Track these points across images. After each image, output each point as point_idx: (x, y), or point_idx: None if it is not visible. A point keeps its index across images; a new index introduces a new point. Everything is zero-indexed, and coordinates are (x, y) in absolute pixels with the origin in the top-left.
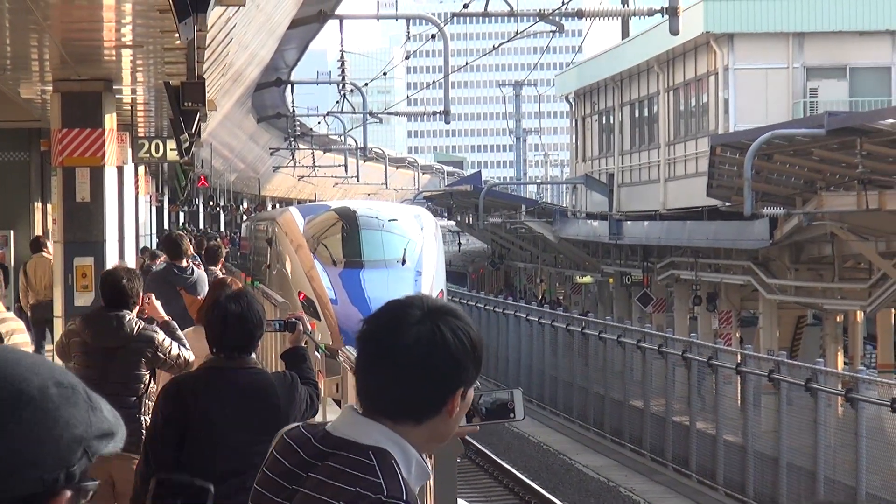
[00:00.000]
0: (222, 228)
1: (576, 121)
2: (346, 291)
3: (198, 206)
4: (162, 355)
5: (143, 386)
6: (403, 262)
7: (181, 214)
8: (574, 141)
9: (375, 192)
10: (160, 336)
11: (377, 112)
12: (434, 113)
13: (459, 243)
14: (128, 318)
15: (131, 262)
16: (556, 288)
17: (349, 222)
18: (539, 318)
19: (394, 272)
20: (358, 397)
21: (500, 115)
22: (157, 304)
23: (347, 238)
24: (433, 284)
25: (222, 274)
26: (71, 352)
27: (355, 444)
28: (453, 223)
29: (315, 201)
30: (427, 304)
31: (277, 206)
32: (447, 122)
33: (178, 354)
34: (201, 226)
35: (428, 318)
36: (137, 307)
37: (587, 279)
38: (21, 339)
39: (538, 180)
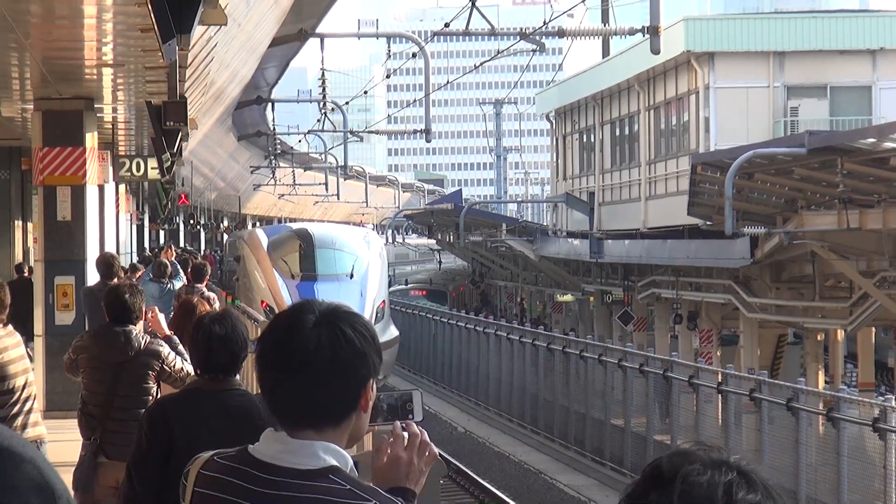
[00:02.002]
0: (202, 247)
1: (556, 139)
2: (301, 300)
3: (178, 225)
4: (168, 368)
5: (151, 398)
6: (352, 276)
7: (161, 233)
8: (555, 159)
9: (356, 210)
10: (166, 350)
11: (358, 130)
12: (415, 131)
13: (440, 261)
14: (135, 333)
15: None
16: (536, 306)
17: (306, 241)
18: (520, 336)
19: (344, 284)
20: (274, 415)
21: (480, 134)
22: (161, 318)
23: (304, 255)
24: (377, 295)
25: (207, 291)
26: (79, 367)
27: (308, 471)
28: (434, 241)
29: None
30: (319, 308)
31: (258, 224)
32: (428, 141)
33: (182, 368)
34: (181, 243)
35: (324, 320)
36: (141, 322)
37: (568, 297)
38: (15, 353)
39: (519, 198)
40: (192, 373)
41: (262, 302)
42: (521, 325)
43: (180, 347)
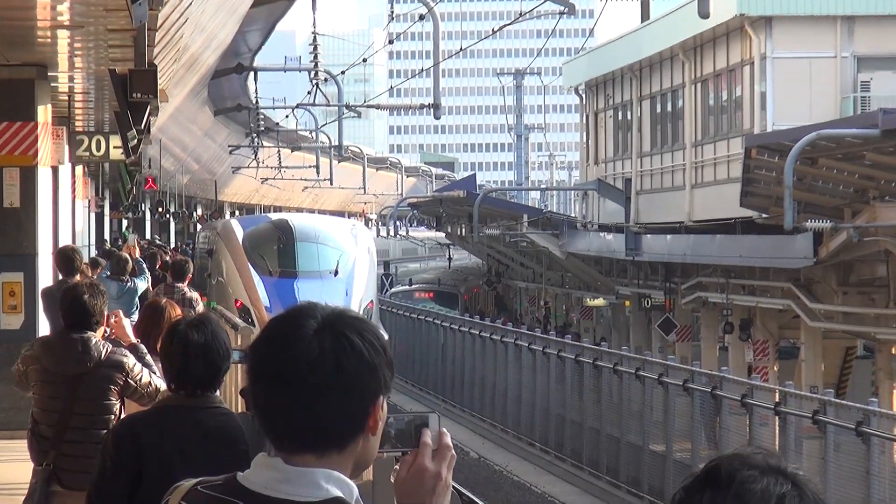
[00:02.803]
0: (172, 238)
1: (587, 116)
2: (280, 300)
3: (144, 213)
4: (133, 382)
5: (112, 417)
6: (336, 273)
7: (125, 222)
8: (585, 140)
9: (351, 198)
10: (130, 361)
11: (355, 105)
12: (421, 106)
13: (450, 258)
14: (94, 341)
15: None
16: (562, 311)
17: (285, 234)
18: (543, 347)
19: (327, 283)
20: (267, 436)
21: (498, 109)
22: (126, 322)
23: (283, 249)
24: (364, 295)
25: (189, 292)
26: (30, 381)
27: (308, 503)
28: (443, 235)
29: (281, 209)
30: (321, 312)
31: (236, 213)
32: (437, 117)
33: (150, 382)
34: (147, 235)
35: (327, 326)
36: (102, 327)
37: (599, 302)
38: None
39: (542, 185)
40: (161, 388)
41: (237, 301)
42: (544, 333)
43: (148, 358)
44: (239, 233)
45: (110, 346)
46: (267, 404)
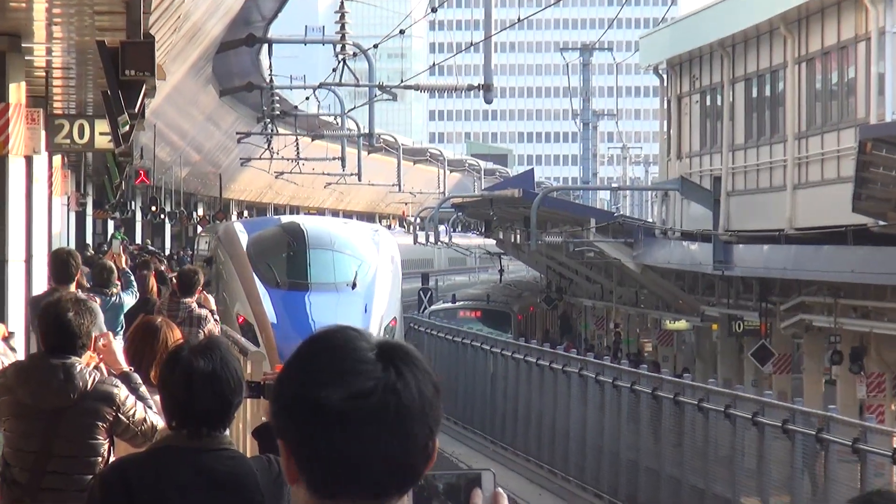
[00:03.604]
0: (167, 242)
1: (668, 101)
2: (288, 316)
3: (134, 213)
4: (125, 419)
5: (100, 460)
6: (354, 286)
7: (111, 223)
8: (665, 130)
9: (383, 196)
10: (122, 392)
11: (389, 85)
12: (469, 88)
13: (501, 270)
14: (79, 369)
15: (41, 286)
16: (636, 335)
17: (296, 239)
18: (613, 378)
19: (344, 297)
20: (309, 484)
21: (560, 92)
22: (118, 346)
23: (294, 257)
24: (385, 313)
25: (198, 308)
26: (1, 415)
27: None
28: (493, 242)
29: (298, 210)
30: (368, 337)
31: (245, 214)
32: (488, 101)
33: (145, 419)
34: (138, 238)
35: (391, 350)
36: (88, 352)
37: (681, 324)
38: None
39: (613, 184)
40: (158, 426)
41: (239, 316)
42: (615, 361)
43: (143, 390)
44: (243, 237)
45: (98, 374)
46: (334, 450)
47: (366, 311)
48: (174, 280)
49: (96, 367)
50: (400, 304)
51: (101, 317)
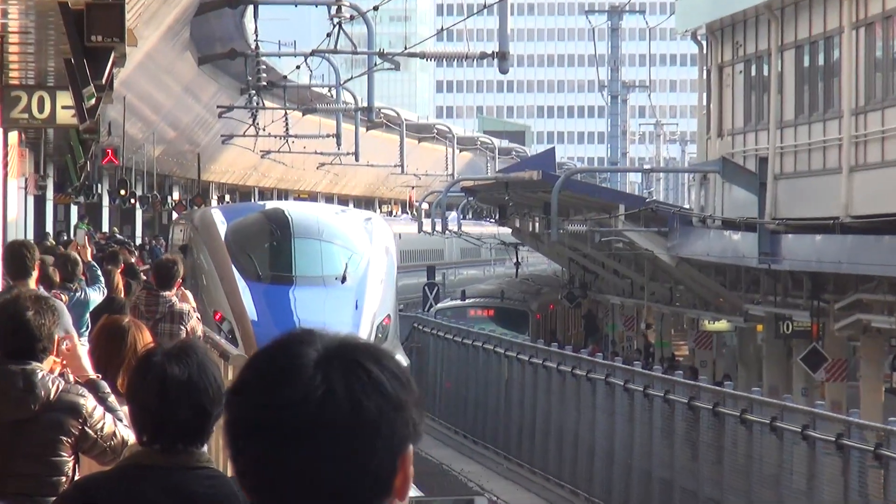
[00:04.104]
0: (138, 231)
1: (708, 72)
2: (270, 313)
3: (101, 197)
4: (92, 433)
5: (64, 479)
6: (344, 279)
7: (74, 209)
8: (705, 104)
9: (384, 179)
10: (90, 403)
11: (391, 52)
12: (482, 55)
13: (517, 263)
14: (40, 376)
15: None
16: (670, 338)
17: (280, 228)
18: (645, 386)
19: (332, 291)
20: (249, 495)
21: (585, 60)
22: (83, 350)
23: (277, 247)
24: (378, 310)
25: (179, 303)
26: None
27: None
28: (509, 231)
29: (287, 194)
30: (322, 338)
31: (227, 198)
32: (503, 71)
33: (114, 433)
34: (105, 226)
35: (332, 354)
36: (51, 356)
37: (721, 325)
38: None
39: (645, 165)
40: (129, 441)
41: (215, 312)
42: (646, 367)
43: (112, 400)
44: (221, 225)
45: (62, 382)
46: (259, 465)
47: (356, 307)
48: (152, 272)
49: (60, 374)
50: (395, 300)
51: (66, 316)
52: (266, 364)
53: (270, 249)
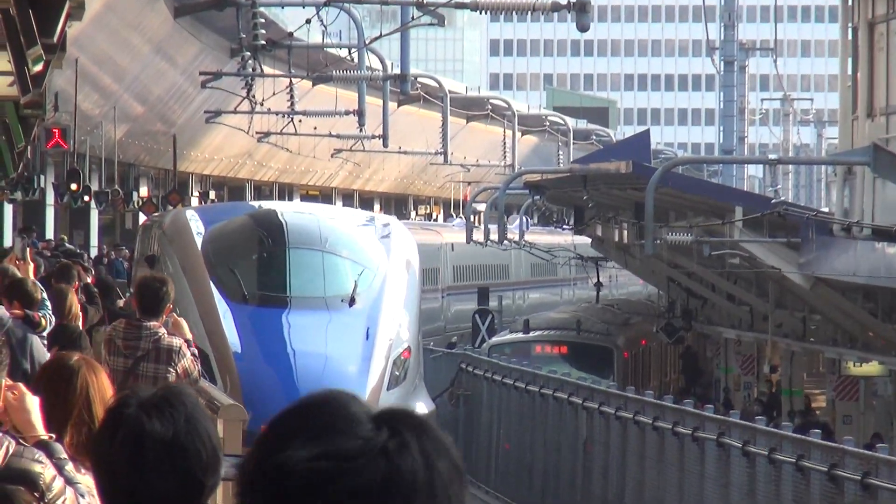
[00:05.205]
0: (93, 238)
1: (854, 30)
2: (258, 343)
3: (44, 192)
4: None
5: None
6: (352, 301)
7: (8, 208)
8: (850, 74)
9: (421, 171)
10: (48, 472)
11: (432, 3)
12: (554, 8)
13: (598, 284)
14: None
15: None
16: (803, 383)
17: (272, 234)
18: (770, 449)
19: (337, 317)
20: None
21: (690, 15)
22: (33, 402)
23: (268, 260)
24: (395, 340)
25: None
26: None
27: None
28: (588, 241)
29: (292, 191)
30: (371, 409)
31: (212, 195)
32: (581, 28)
33: None
34: (49, 232)
35: (388, 412)
36: None
37: (872, 368)
38: None
39: (770, 155)
40: None
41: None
42: (771, 423)
43: (69, 467)
44: (197, 231)
45: (12, 443)
46: None
47: (367, 337)
48: (133, 295)
49: (8, 433)
50: (418, 328)
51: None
52: (308, 413)
53: (259, 262)
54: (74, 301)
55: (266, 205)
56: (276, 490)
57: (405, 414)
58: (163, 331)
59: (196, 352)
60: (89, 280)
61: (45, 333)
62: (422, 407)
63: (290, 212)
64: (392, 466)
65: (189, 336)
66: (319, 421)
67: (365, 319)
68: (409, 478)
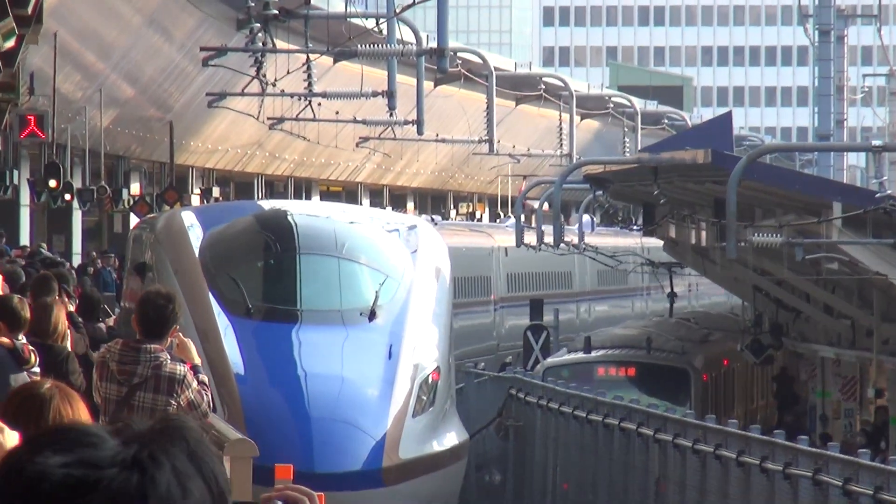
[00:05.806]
0: (76, 245)
1: None
2: (264, 364)
3: (17, 190)
4: None
5: None
6: (373, 315)
7: None
8: None
9: (462, 162)
10: None
11: None
12: None
13: (672, 295)
14: None
15: None
16: None
17: (280, 238)
18: (877, 488)
19: (354, 333)
20: None
21: None
22: (12, 435)
23: (275, 268)
24: (422, 359)
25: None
26: None
27: None
28: (660, 244)
29: (309, 187)
30: (124, 431)
31: (215, 192)
32: None
33: None
34: (24, 237)
35: (135, 434)
36: None
37: None
38: None
39: (874, 141)
40: None
41: (184, 362)
42: (877, 457)
43: None
44: (195, 235)
45: None
46: None
47: (390, 356)
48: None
49: None
50: (449, 346)
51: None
52: (59, 429)
53: (265, 271)
54: (61, 317)
55: (275, 204)
56: (29, 496)
57: (158, 431)
58: (165, 355)
59: (206, 379)
60: (72, 306)
61: (35, 370)
62: (453, 437)
63: (302, 212)
64: (146, 477)
65: (197, 360)
66: (70, 436)
67: (387, 336)
68: (164, 491)
